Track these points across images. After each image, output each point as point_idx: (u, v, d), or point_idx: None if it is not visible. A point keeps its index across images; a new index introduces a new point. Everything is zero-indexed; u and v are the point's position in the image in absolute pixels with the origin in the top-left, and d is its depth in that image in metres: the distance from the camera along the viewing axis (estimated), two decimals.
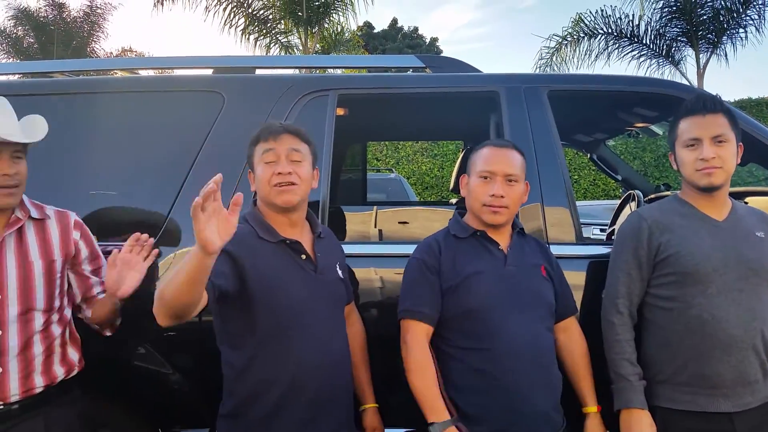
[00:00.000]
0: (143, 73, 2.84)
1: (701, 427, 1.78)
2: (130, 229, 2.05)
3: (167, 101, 2.33)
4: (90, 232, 1.97)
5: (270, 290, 1.70)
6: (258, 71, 2.54)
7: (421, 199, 12.99)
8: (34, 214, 1.83)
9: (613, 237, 3.67)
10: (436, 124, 3.53)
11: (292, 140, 1.79)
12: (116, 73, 2.75)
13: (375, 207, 4.58)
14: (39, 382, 1.76)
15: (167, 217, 2.17)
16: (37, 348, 1.76)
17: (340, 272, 1.90)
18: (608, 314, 1.90)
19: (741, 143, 1.90)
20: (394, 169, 12.01)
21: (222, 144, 2.24)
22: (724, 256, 1.81)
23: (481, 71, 2.55)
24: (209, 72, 2.51)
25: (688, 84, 2.46)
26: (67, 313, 1.90)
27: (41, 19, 19.91)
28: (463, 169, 2.04)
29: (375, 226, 4.56)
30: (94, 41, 20.71)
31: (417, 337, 1.82)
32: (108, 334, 1.99)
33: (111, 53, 21.62)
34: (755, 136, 2.29)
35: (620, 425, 1.83)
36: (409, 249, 1.97)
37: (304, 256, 1.79)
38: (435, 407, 1.74)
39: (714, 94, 1.93)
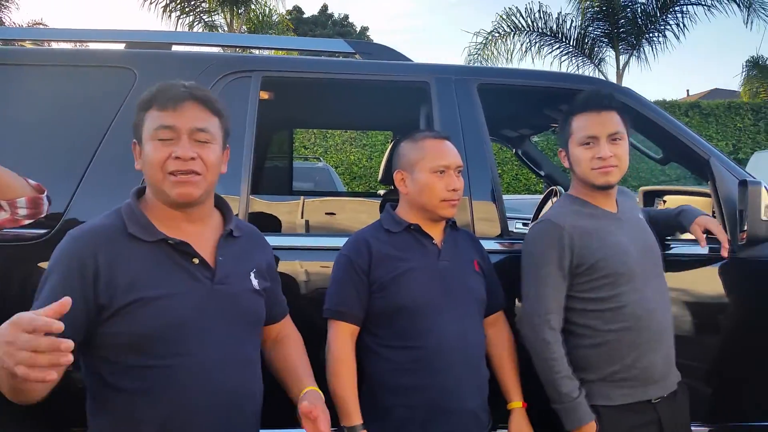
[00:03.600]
0: (53, 46, 2.60)
1: (633, 420, 1.80)
2: None
3: (73, 76, 2.13)
4: None
5: (141, 305, 1.28)
6: (175, 48, 2.37)
7: (349, 190, 12.90)
8: None
9: None
10: (365, 112, 3.44)
11: (198, 112, 1.37)
12: (23, 45, 2.51)
13: (302, 197, 4.45)
14: None
15: (70, 201, 1.99)
16: None
17: (255, 282, 1.49)
18: (540, 332, 1.80)
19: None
20: (321, 158, 11.85)
21: (132, 125, 2.06)
22: (637, 247, 1.85)
23: (412, 60, 2.49)
24: (121, 47, 2.32)
25: (614, 83, 2.50)
26: None
27: None
28: (392, 161, 1.97)
29: (302, 217, 4.43)
30: (2, 11, 19.27)
31: (339, 337, 1.76)
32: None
33: (20, 25, 20.18)
34: (677, 137, 2.34)
35: None
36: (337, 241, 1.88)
37: (196, 260, 1.37)
38: (349, 411, 1.69)
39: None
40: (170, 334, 1.30)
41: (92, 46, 2.47)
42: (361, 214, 4.45)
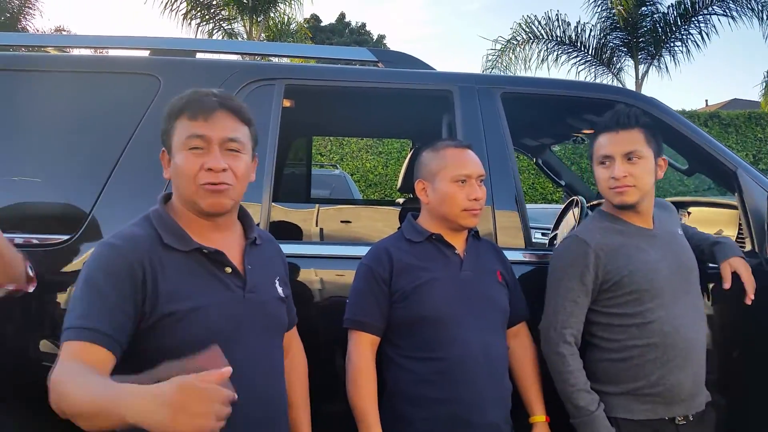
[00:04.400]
0: (76, 52, 2.62)
1: None
2: (51, 220, 1.87)
3: (98, 83, 2.14)
4: None
5: (176, 318, 1.28)
6: (199, 56, 2.38)
7: (365, 197, 12.90)
8: None
9: (555, 242, 3.73)
10: (386, 121, 3.44)
11: (229, 122, 1.35)
12: (46, 52, 2.53)
13: (317, 205, 4.44)
14: None
15: (93, 206, 1.99)
16: None
17: (280, 290, 1.50)
18: (555, 346, 1.81)
19: (663, 157, 1.89)
20: (338, 165, 11.87)
21: (156, 132, 2.05)
22: (668, 264, 1.82)
23: (434, 68, 2.48)
24: (146, 54, 2.34)
25: (639, 92, 2.47)
26: None
27: None
28: (413, 170, 1.96)
29: (316, 225, 4.43)
30: (26, 18, 19.57)
31: (360, 347, 1.75)
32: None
33: (43, 32, 20.47)
34: (703, 147, 2.30)
35: None
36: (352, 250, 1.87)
37: (228, 270, 1.37)
38: (369, 423, 1.68)
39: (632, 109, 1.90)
40: (208, 344, 1.26)
41: (113, 52, 2.49)
42: (377, 222, 4.44)
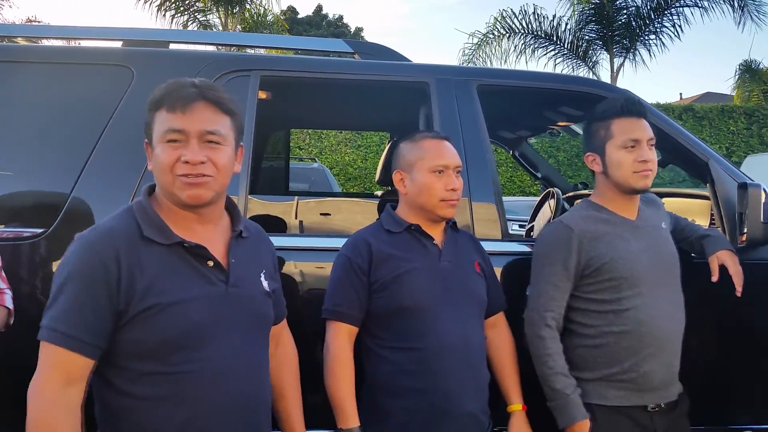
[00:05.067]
0: (47, 43, 2.57)
1: (628, 425, 1.80)
2: (25, 214, 1.85)
3: (69, 74, 2.11)
4: None
5: (153, 312, 1.25)
6: (172, 47, 2.35)
7: (344, 190, 12.88)
8: None
9: (531, 234, 3.76)
10: (363, 113, 3.43)
11: (209, 113, 1.31)
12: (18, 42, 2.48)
13: (296, 197, 4.43)
14: None
15: (68, 199, 1.97)
16: None
17: (265, 284, 1.47)
18: (537, 329, 1.84)
19: None
20: (317, 159, 11.82)
21: (129, 123, 2.04)
22: (649, 255, 1.86)
23: (411, 60, 2.48)
24: (119, 45, 2.30)
25: (614, 85, 2.50)
26: None
27: None
28: (391, 161, 1.96)
29: (296, 217, 4.42)
30: None
31: (338, 337, 1.75)
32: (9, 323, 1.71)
33: (14, 22, 20.00)
34: (677, 139, 2.34)
35: None
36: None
37: (211, 263, 1.34)
38: (346, 413, 1.69)
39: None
40: (187, 339, 1.27)
41: (85, 43, 2.45)
42: (356, 215, 4.44)
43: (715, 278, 2.00)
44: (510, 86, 2.43)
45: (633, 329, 1.79)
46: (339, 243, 1.90)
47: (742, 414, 2.31)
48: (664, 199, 3.15)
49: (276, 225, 3.87)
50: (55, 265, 1.75)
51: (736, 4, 13.65)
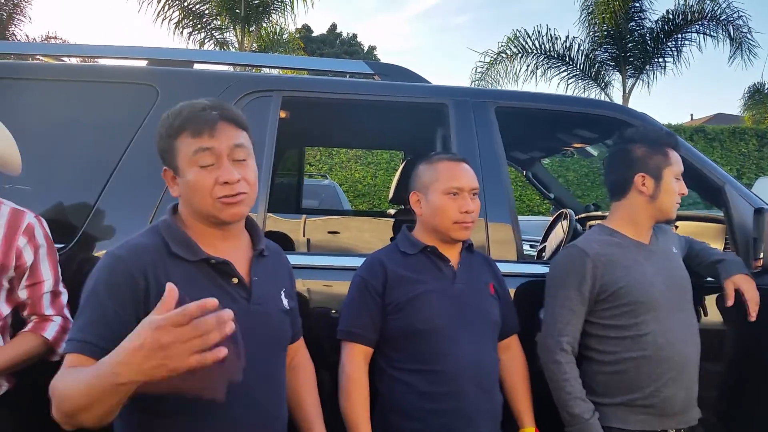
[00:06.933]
0: (71, 61, 2.62)
1: None
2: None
3: (94, 92, 2.15)
4: (45, 241, 1.67)
5: None
6: (196, 66, 2.40)
7: (354, 208, 12.91)
8: None
9: (543, 254, 3.76)
10: (379, 132, 3.46)
11: (232, 131, 1.34)
12: (39, 60, 2.53)
13: (303, 216, 4.45)
14: None
15: (88, 218, 2.00)
16: None
17: (285, 302, 1.49)
18: (552, 354, 1.83)
19: None
20: (327, 175, 11.88)
21: (152, 141, 2.06)
22: (664, 279, 1.86)
23: (430, 82, 2.51)
24: (143, 64, 2.35)
25: (637, 111, 2.51)
26: (1, 329, 1.64)
27: None
28: (406, 181, 1.98)
29: (303, 235, 4.44)
30: (15, 25, 19.44)
31: (353, 358, 1.76)
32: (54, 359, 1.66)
33: (34, 39, 20.33)
34: (692, 162, 2.34)
35: None
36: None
37: (235, 280, 1.36)
38: None
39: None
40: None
41: (101, 61, 2.49)
42: (364, 233, 4.45)
43: (730, 303, 1.99)
44: (528, 108, 2.44)
45: (652, 354, 1.79)
46: (357, 262, 1.92)
47: None
48: (678, 222, 3.16)
49: (290, 243, 3.89)
50: (76, 279, 1.77)
51: (733, 39, 13.85)
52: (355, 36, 40.12)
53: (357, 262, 1.94)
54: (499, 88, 14.19)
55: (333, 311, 2.03)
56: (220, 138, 1.32)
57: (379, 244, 4.32)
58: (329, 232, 4.46)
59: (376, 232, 4.42)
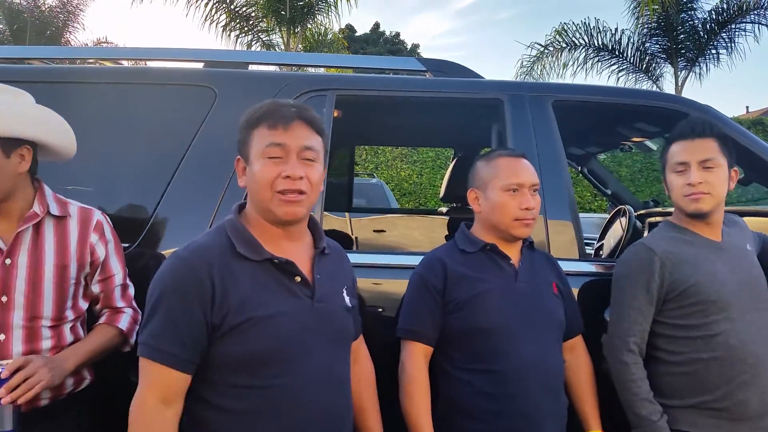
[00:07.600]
0: (126, 64, 2.69)
1: None
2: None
3: (154, 94, 2.19)
4: (112, 237, 1.75)
5: (248, 326, 1.29)
6: (251, 67, 2.42)
7: (400, 206, 12.90)
8: (54, 210, 1.63)
9: (600, 252, 3.66)
10: (432, 129, 3.43)
11: (306, 132, 1.37)
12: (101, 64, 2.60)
13: (347, 214, 4.45)
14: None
15: (151, 217, 2.03)
16: None
17: (347, 300, 1.50)
18: (619, 354, 1.79)
19: (735, 168, 1.86)
20: (375, 174, 11.91)
21: (212, 143, 2.10)
22: (737, 278, 1.78)
23: (483, 77, 2.47)
24: (199, 66, 2.38)
25: (700, 103, 2.40)
26: (80, 324, 1.72)
27: (16, 5, 19.38)
28: (457, 178, 1.95)
29: (352, 234, 4.44)
30: (70, 32, 20.22)
31: (413, 357, 1.74)
32: (126, 350, 1.76)
33: (87, 44, 21.07)
34: (758, 154, 2.24)
35: None
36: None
37: (298, 279, 1.38)
38: None
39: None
40: (277, 354, 1.30)
41: (151, 64, 2.53)
42: (413, 231, 4.43)
43: None
44: (585, 102, 2.37)
45: (723, 355, 1.72)
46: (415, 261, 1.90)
47: None
48: (746, 219, 3.02)
49: (348, 241, 3.90)
50: (141, 277, 1.82)
51: None
52: (398, 34, 40.18)
53: (414, 260, 1.92)
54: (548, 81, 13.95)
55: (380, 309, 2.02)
56: (292, 135, 1.35)
57: (427, 243, 4.31)
58: (375, 231, 4.46)
59: (425, 230, 4.39)
